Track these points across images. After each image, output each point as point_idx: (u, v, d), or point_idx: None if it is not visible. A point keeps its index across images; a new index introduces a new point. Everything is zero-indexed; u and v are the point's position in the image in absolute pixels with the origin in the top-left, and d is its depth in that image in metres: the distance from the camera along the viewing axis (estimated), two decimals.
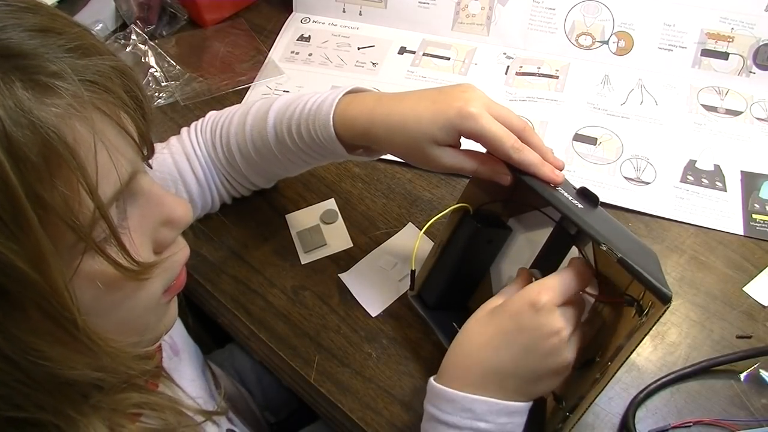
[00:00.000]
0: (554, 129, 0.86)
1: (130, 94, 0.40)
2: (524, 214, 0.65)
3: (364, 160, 0.73)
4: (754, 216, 0.77)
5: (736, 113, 0.87)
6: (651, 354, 0.66)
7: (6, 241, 0.32)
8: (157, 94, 0.92)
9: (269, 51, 0.99)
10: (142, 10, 1.00)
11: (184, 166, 0.70)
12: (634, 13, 0.91)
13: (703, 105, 0.89)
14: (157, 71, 0.94)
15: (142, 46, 0.96)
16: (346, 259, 0.74)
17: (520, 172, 0.58)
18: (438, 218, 0.62)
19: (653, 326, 0.50)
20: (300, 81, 0.94)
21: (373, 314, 0.70)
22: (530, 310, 0.50)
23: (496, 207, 0.66)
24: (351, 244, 0.76)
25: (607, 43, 0.93)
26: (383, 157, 0.84)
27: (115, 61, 0.38)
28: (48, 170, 0.33)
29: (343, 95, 0.63)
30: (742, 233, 0.75)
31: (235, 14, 1.05)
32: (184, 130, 0.73)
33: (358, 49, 0.99)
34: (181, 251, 0.46)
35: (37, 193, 0.33)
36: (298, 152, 0.65)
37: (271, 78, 0.94)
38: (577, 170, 0.82)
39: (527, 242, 0.65)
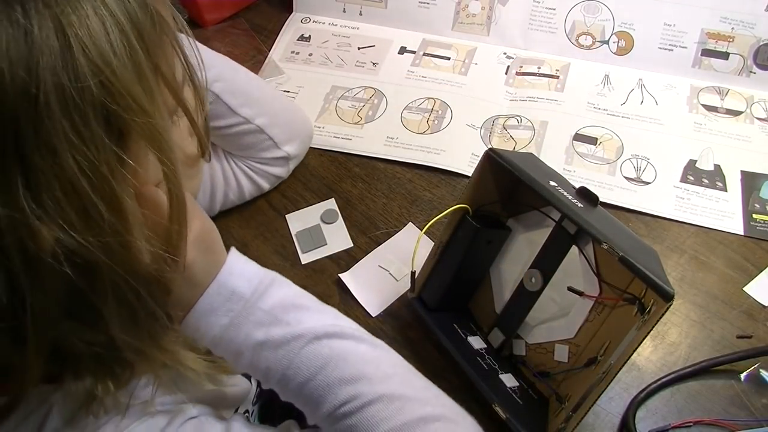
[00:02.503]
0: (554, 129, 0.86)
1: None
2: (524, 214, 0.65)
3: None
4: (754, 216, 0.77)
5: (736, 113, 0.87)
6: (651, 354, 0.66)
7: (135, 85, 0.37)
8: None
9: (269, 51, 0.99)
10: None
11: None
12: (634, 13, 0.91)
13: (703, 105, 0.89)
14: None
15: None
16: (346, 259, 0.74)
17: (519, 172, 0.58)
18: (438, 219, 0.62)
19: (655, 324, 0.50)
20: (300, 81, 0.94)
21: (373, 314, 0.70)
22: None
23: (495, 207, 0.66)
24: (351, 244, 0.76)
25: (607, 43, 0.93)
26: (383, 156, 0.84)
27: None
28: (159, 42, 0.39)
29: None
30: (742, 233, 0.75)
31: (235, 14, 1.05)
32: None
33: (358, 49, 0.99)
34: None
35: (154, 62, 0.38)
36: None
37: (272, 78, 0.94)
38: (577, 170, 0.82)
39: (527, 242, 0.65)
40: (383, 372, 0.49)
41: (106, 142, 0.35)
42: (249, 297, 0.47)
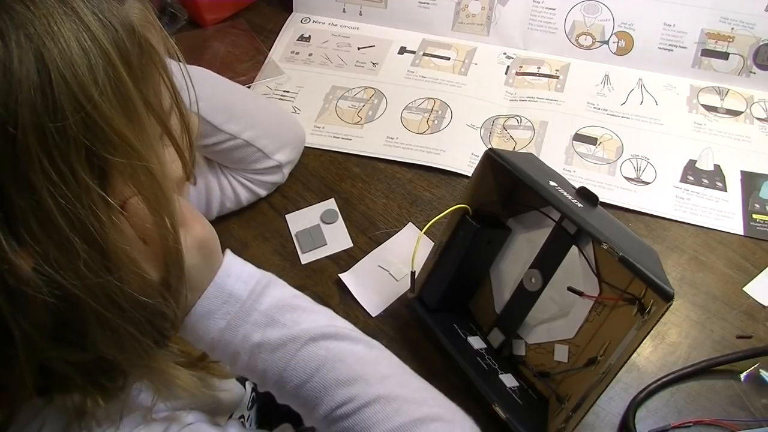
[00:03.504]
0: (554, 129, 0.86)
1: None
2: (524, 214, 0.65)
3: None
4: (754, 216, 0.77)
5: (736, 113, 0.87)
6: (651, 354, 0.66)
7: (120, 117, 0.36)
8: None
9: (269, 51, 0.99)
10: None
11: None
12: (634, 13, 0.91)
13: (703, 105, 0.89)
14: None
15: None
16: (346, 259, 0.74)
17: (519, 172, 0.58)
18: (438, 219, 0.62)
19: (655, 324, 0.50)
20: (300, 81, 0.94)
21: (373, 314, 0.70)
22: None
23: (495, 207, 0.66)
24: (351, 244, 0.76)
25: (607, 43, 0.93)
26: (383, 156, 0.84)
27: None
28: (147, 71, 0.39)
29: None
30: (742, 233, 0.75)
31: (235, 14, 1.05)
32: None
33: (358, 49, 0.99)
34: None
35: (142, 92, 0.38)
36: None
37: (271, 78, 0.94)
38: (577, 170, 0.82)
39: (527, 242, 0.65)
40: (380, 373, 0.49)
41: (86, 180, 0.35)
42: (246, 299, 0.47)
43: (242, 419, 0.66)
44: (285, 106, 0.90)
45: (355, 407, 0.46)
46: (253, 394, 0.68)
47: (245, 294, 0.48)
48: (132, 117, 0.37)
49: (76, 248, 0.35)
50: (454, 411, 0.50)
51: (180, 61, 0.44)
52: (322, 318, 0.51)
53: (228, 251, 0.50)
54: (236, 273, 0.48)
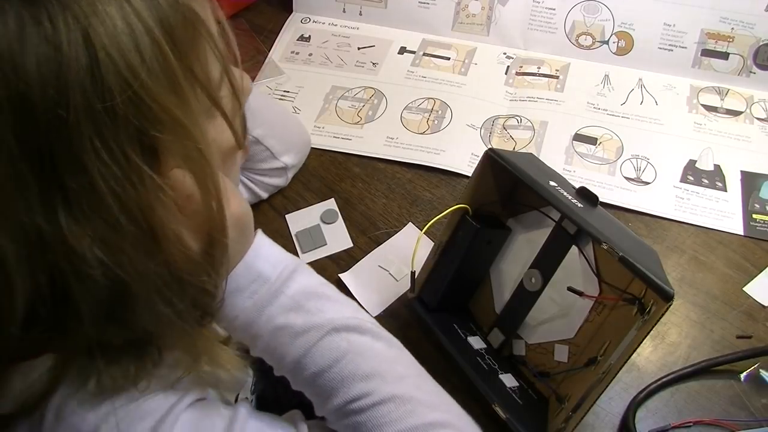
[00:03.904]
0: (554, 129, 0.86)
1: None
2: (523, 214, 0.65)
3: None
4: (754, 216, 0.77)
5: (736, 113, 0.87)
6: (651, 354, 0.66)
7: (167, 94, 0.36)
8: None
9: (269, 51, 0.99)
10: None
11: None
12: (634, 13, 0.91)
13: (703, 105, 0.89)
14: None
15: None
16: (346, 259, 0.74)
17: (519, 172, 0.58)
18: (438, 219, 0.62)
19: (655, 324, 0.50)
20: (300, 81, 0.94)
21: (373, 314, 0.70)
22: None
23: (495, 207, 0.66)
24: (351, 244, 0.76)
25: (607, 43, 0.93)
26: (383, 156, 0.84)
27: None
28: (193, 43, 0.38)
29: None
30: (742, 233, 0.75)
31: (235, 14, 1.05)
32: None
33: (358, 49, 0.99)
34: None
35: (188, 66, 0.37)
36: None
37: (272, 78, 0.94)
38: (577, 170, 0.82)
39: (527, 242, 0.65)
40: (397, 372, 0.50)
41: (136, 159, 0.35)
42: (273, 281, 0.48)
43: (246, 400, 0.66)
44: (285, 106, 0.90)
45: (370, 403, 0.46)
46: (255, 378, 0.68)
47: (274, 276, 0.48)
48: (178, 92, 0.37)
49: (125, 229, 0.36)
50: (466, 419, 0.50)
51: (225, 28, 0.43)
52: (347, 309, 0.51)
53: (259, 231, 0.50)
54: (266, 254, 0.49)
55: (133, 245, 0.37)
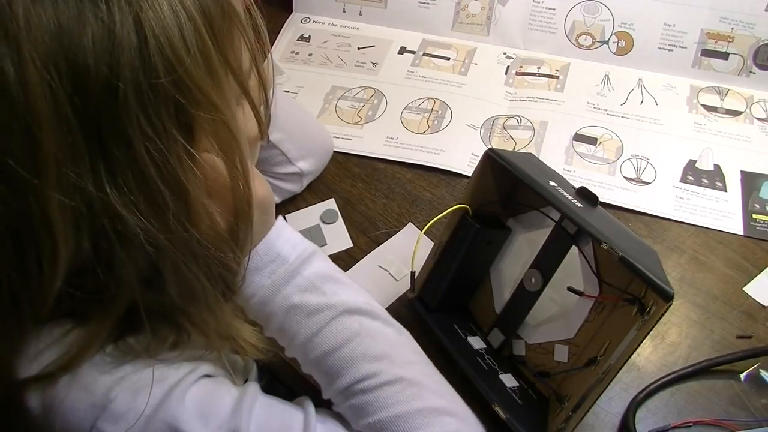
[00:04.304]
0: (554, 129, 0.86)
1: None
2: (523, 214, 0.65)
3: None
4: (754, 216, 0.77)
5: (736, 113, 0.87)
6: (651, 354, 0.65)
7: (205, 77, 0.38)
8: None
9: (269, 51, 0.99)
10: None
11: None
12: (634, 13, 0.91)
13: (702, 105, 0.89)
14: None
15: None
16: (346, 259, 0.74)
17: (519, 172, 0.58)
18: (438, 219, 0.62)
19: (655, 324, 0.50)
20: (300, 81, 0.94)
21: None
22: None
23: (495, 207, 0.66)
24: (351, 244, 0.76)
25: (607, 43, 0.93)
26: (383, 156, 0.84)
27: None
28: (228, 33, 0.40)
29: None
30: (742, 233, 0.75)
31: None
32: None
33: (358, 49, 0.99)
34: None
35: (224, 54, 0.40)
36: None
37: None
38: (577, 170, 0.82)
39: (527, 242, 0.65)
40: (406, 357, 0.51)
41: (176, 134, 0.38)
42: (292, 261, 0.50)
43: None
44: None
45: (377, 383, 0.48)
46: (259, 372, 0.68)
47: (292, 257, 0.50)
48: (214, 77, 0.39)
49: (166, 200, 0.38)
50: (469, 413, 0.51)
51: (259, 23, 0.46)
52: (361, 295, 0.53)
53: (281, 217, 0.52)
54: (286, 237, 0.51)
55: (172, 215, 0.39)
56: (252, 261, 0.48)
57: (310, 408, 0.49)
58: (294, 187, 0.79)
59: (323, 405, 0.52)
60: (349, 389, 0.48)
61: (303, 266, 0.50)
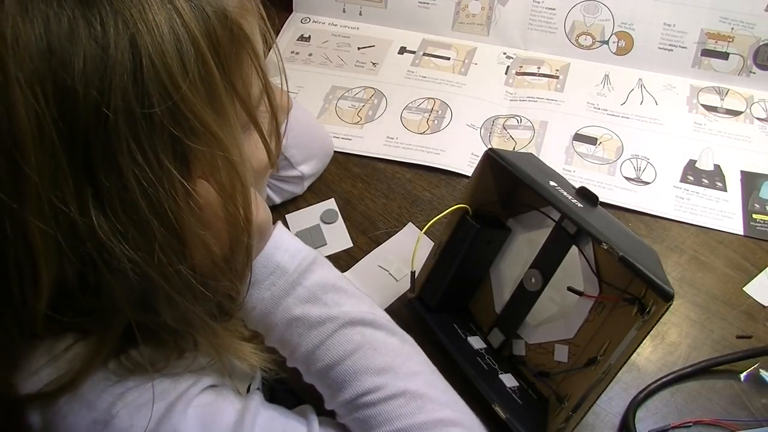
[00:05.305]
0: (554, 129, 0.86)
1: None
2: (523, 214, 0.65)
3: None
4: (754, 216, 0.77)
5: (736, 113, 0.87)
6: (651, 354, 0.65)
7: (205, 106, 0.37)
8: None
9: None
10: None
11: None
12: (634, 13, 0.91)
13: (703, 105, 0.89)
14: None
15: None
16: (346, 259, 0.74)
17: (519, 172, 0.58)
18: (438, 219, 0.62)
19: (655, 324, 0.50)
20: (300, 81, 0.94)
21: None
22: None
23: (495, 207, 0.66)
24: (351, 244, 0.76)
25: (607, 43, 0.93)
26: (383, 156, 0.84)
27: None
28: (237, 59, 0.39)
29: None
30: (742, 233, 0.75)
31: None
32: None
33: (358, 49, 0.99)
34: None
35: (230, 80, 0.38)
36: None
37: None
38: (577, 170, 0.82)
39: (527, 242, 0.65)
40: (410, 368, 0.50)
41: (169, 165, 0.36)
42: (291, 272, 0.48)
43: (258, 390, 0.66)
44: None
45: (381, 397, 0.47)
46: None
47: (292, 267, 0.49)
48: (216, 106, 0.38)
49: (154, 230, 0.37)
50: (474, 419, 0.51)
51: (275, 48, 0.45)
52: (363, 304, 0.52)
53: (279, 223, 0.51)
54: (285, 246, 0.49)
55: (160, 246, 0.37)
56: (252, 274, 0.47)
57: (314, 421, 0.49)
58: (296, 189, 0.79)
59: (326, 413, 0.51)
60: (353, 403, 0.48)
61: (303, 276, 0.49)
